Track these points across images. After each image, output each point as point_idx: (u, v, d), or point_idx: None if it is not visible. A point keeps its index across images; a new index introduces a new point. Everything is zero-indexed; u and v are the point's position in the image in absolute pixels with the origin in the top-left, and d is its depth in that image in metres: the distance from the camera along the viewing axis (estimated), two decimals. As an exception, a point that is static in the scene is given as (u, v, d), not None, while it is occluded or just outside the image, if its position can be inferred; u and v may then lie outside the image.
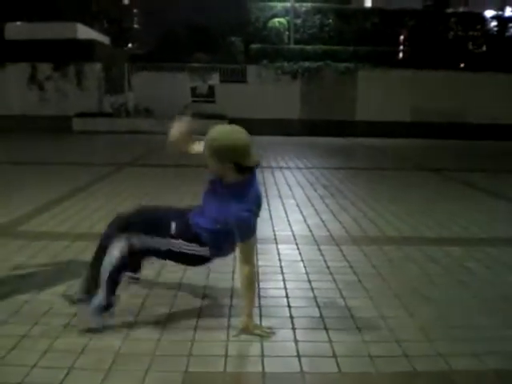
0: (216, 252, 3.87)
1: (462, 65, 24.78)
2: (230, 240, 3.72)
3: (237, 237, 3.61)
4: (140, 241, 3.70)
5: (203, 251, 3.79)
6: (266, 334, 3.60)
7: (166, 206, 4.23)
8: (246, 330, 3.63)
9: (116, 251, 3.64)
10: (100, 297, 3.65)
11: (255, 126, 22.30)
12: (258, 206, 3.73)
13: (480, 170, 13.21)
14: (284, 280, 4.72)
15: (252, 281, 3.71)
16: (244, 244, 3.63)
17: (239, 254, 3.68)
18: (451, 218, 7.36)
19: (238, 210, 3.54)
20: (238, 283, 4.43)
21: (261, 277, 4.76)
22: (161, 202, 7.60)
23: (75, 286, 4.24)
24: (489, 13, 26.84)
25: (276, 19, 24.77)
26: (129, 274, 3.98)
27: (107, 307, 3.68)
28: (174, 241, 3.75)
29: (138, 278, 4.05)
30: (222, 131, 3.56)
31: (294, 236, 6.27)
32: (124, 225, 3.76)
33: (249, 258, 3.66)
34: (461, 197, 9.23)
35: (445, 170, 12.55)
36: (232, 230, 3.61)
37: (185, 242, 3.74)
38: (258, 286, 4.52)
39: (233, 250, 3.94)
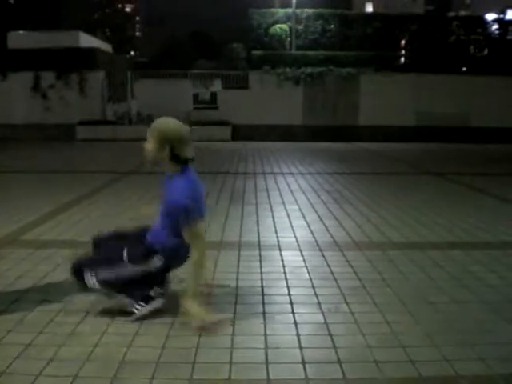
0: (174, 261, 4.05)
1: (464, 68, 24.77)
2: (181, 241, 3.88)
3: (180, 221, 3.79)
4: (106, 274, 3.86)
5: (159, 263, 3.95)
6: (206, 319, 3.75)
7: (123, 230, 4.43)
8: (188, 313, 3.77)
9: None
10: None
11: (258, 132, 22.48)
12: (194, 197, 3.85)
13: (484, 173, 13.18)
14: (288, 286, 4.72)
15: (197, 268, 3.82)
16: (188, 229, 3.78)
17: (188, 240, 3.84)
18: (456, 222, 7.35)
19: (171, 195, 3.85)
20: (242, 290, 4.43)
21: (264, 283, 4.76)
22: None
23: (78, 295, 4.25)
24: (490, 16, 26.84)
25: (278, 25, 24.78)
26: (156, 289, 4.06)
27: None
28: (132, 265, 3.92)
29: (162, 294, 4.07)
30: (168, 119, 3.93)
31: (297, 242, 6.27)
32: (78, 269, 3.95)
33: (196, 245, 3.82)
34: (465, 201, 9.22)
35: (449, 174, 12.53)
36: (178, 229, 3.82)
37: (140, 266, 3.92)
38: (262, 292, 4.53)
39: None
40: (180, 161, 3.86)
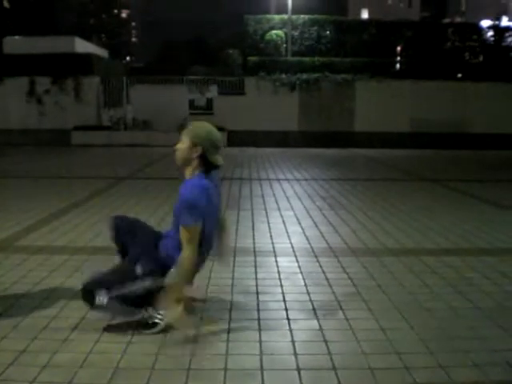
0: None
1: (459, 75, 24.85)
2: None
3: (180, 218, 3.84)
4: (119, 291, 3.77)
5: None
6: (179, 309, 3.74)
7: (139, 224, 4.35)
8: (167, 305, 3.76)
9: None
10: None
11: (254, 138, 22.52)
12: (200, 193, 3.83)
13: (479, 179, 13.23)
14: (283, 292, 4.71)
15: (186, 269, 3.81)
16: (184, 229, 3.80)
17: (181, 239, 3.84)
18: (451, 229, 7.36)
19: (183, 190, 3.85)
20: (237, 296, 4.42)
21: (259, 289, 4.76)
22: (159, 216, 7.61)
23: (72, 301, 4.24)
24: (485, 23, 26.96)
25: (273, 31, 24.85)
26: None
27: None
28: (146, 282, 3.84)
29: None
30: (204, 123, 4.01)
31: (292, 248, 6.27)
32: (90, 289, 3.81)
33: (187, 244, 3.80)
34: (460, 207, 9.23)
35: (444, 180, 12.55)
36: None
37: (153, 279, 3.85)
38: (257, 298, 4.53)
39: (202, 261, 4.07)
40: (207, 164, 3.93)
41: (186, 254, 3.78)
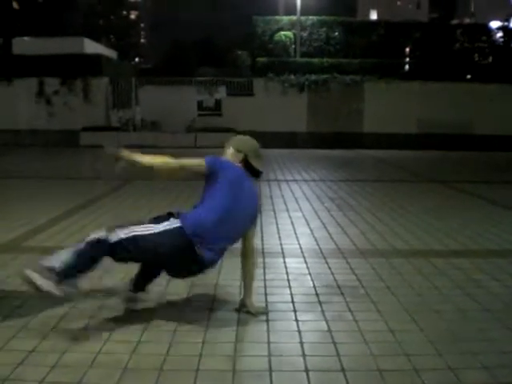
0: (209, 252, 3.89)
1: (468, 76, 24.78)
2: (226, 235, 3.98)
3: (254, 223, 4.24)
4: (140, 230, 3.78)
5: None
6: (263, 310, 4.24)
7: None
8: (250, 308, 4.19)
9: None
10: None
11: (262, 139, 22.20)
12: (239, 183, 4.13)
13: (487, 181, 13.18)
14: (291, 294, 4.71)
15: (255, 268, 4.36)
16: (254, 232, 4.28)
17: (250, 242, 4.21)
18: (459, 230, 7.34)
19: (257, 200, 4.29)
20: (246, 297, 4.41)
21: (268, 290, 4.76)
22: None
23: (81, 302, 4.25)
24: (494, 24, 26.88)
25: (282, 32, 24.88)
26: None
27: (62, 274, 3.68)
28: (169, 223, 3.84)
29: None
30: (246, 136, 4.48)
31: (301, 249, 6.26)
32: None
33: (254, 246, 4.30)
34: (469, 208, 9.20)
35: (452, 182, 12.52)
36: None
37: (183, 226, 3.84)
38: (266, 299, 4.53)
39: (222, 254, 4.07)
40: (250, 168, 4.27)
41: (254, 254, 4.30)
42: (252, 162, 4.25)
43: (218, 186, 3.94)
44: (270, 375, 3.25)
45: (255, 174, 4.31)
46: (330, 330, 3.91)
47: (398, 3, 67.69)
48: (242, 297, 4.29)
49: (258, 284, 4.90)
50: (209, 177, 4.01)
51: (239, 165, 4.21)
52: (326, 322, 4.07)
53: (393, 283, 5.01)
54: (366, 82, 23.14)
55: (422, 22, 33.27)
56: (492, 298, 4.63)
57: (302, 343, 3.70)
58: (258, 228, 6.78)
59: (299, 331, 3.90)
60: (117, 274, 4.90)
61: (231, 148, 4.27)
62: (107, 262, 3.90)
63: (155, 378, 3.19)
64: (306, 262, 5.72)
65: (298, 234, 7.00)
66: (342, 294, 4.70)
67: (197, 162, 4.04)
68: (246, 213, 4.04)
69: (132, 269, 4.30)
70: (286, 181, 12.37)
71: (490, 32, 25.93)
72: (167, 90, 23.04)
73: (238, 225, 4.00)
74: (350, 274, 5.32)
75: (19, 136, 22.09)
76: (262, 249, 6.18)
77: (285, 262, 5.71)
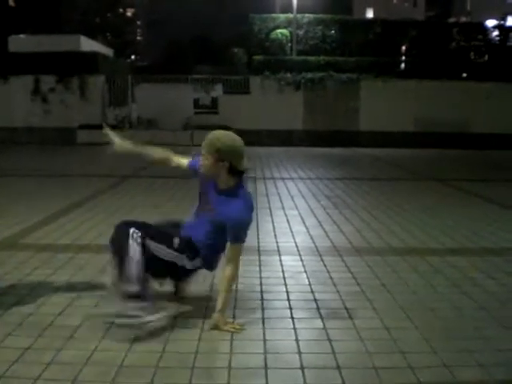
0: (206, 265, 4.10)
1: (464, 75, 24.81)
2: (220, 251, 4.06)
3: (230, 237, 3.83)
4: (151, 245, 3.79)
5: (199, 264, 4.04)
6: (235, 331, 3.80)
7: (161, 221, 4.38)
8: (217, 326, 3.82)
9: (135, 248, 3.70)
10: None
11: (258, 137, 22.46)
12: (252, 209, 3.93)
13: (484, 179, 13.20)
14: (287, 291, 4.71)
15: (232, 282, 3.98)
16: (235, 245, 3.86)
17: (228, 254, 3.91)
18: (455, 228, 7.35)
19: (237, 211, 3.79)
20: (242, 295, 4.42)
21: (264, 288, 4.76)
22: (164, 213, 7.61)
23: (77, 299, 4.25)
24: (490, 23, 26.90)
25: (278, 30, 24.85)
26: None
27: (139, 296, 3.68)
28: (177, 254, 3.90)
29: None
30: (225, 133, 3.90)
31: (297, 247, 6.27)
32: (131, 223, 3.84)
33: (235, 260, 3.89)
34: (465, 206, 9.22)
35: (449, 180, 12.53)
36: (224, 237, 3.85)
37: (187, 259, 3.94)
38: (262, 296, 4.53)
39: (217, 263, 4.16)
40: (236, 172, 3.87)
41: (230, 272, 3.87)
42: (238, 167, 3.84)
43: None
44: (266, 373, 3.25)
45: (242, 173, 3.93)
46: (325, 328, 3.92)
47: (395, 1, 67.63)
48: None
49: (253, 282, 4.92)
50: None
51: (238, 189, 3.89)
52: (322, 319, 4.08)
53: (388, 281, 5.02)
54: (363, 80, 23.12)
55: (418, 21, 33.30)
56: (488, 296, 4.64)
57: (297, 341, 3.71)
58: (253, 226, 6.78)
59: (295, 329, 3.91)
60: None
61: (211, 156, 3.79)
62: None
63: (151, 375, 3.19)
64: (301, 260, 5.73)
65: (294, 232, 7.01)
66: (338, 291, 4.71)
67: (185, 164, 4.23)
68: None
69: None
70: (282, 179, 12.37)
71: (486, 30, 25.94)
72: (163, 87, 22.99)
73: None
74: (346, 271, 5.33)
75: (15, 134, 22.01)
76: (258, 247, 6.19)
77: (280, 260, 5.71)
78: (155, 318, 3.75)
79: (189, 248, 3.92)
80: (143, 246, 3.72)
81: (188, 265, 3.96)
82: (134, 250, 3.68)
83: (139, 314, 3.67)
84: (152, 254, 3.78)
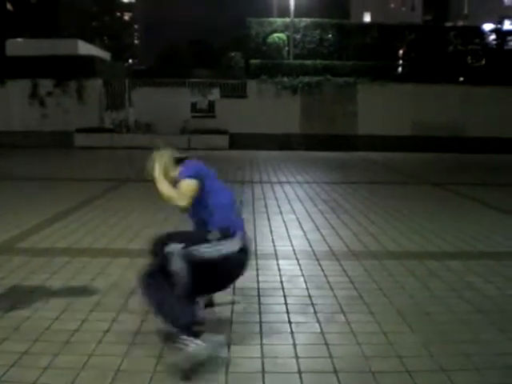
0: (225, 226, 3.83)
1: (461, 78, 24.84)
2: (219, 205, 3.87)
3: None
4: (195, 250, 3.63)
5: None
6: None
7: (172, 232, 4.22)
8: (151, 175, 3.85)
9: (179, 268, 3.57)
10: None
11: (256, 141, 22.50)
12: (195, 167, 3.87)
13: (481, 183, 13.21)
14: (284, 295, 4.71)
15: (162, 188, 3.78)
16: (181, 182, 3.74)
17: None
18: (452, 232, 7.35)
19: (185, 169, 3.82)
20: (239, 300, 4.41)
21: (261, 292, 4.76)
22: (162, 218, 7.61)
23: (74, 303, 4.24)
24: (488, 26, 26.95)
25: (276, 34, 24.86)
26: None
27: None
28: (225, 241, 3.73)
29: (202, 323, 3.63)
30: (157, 155, 3.93)
31: (294, 251, 6.27)
32: (165, 239, 3.69)
33: (181, 191, 3.71)
34: (462, 210, 9.22)
35: (446, 184, 12.54)
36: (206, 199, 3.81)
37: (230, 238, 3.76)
38: (259, 301, 4.53)
39: None
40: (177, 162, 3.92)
41: (160, 187, 3.77)
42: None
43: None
44: (263, 377, 3.25)
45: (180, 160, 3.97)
46: (322, 332, 3.92)
47: (392, 6, 67.81)
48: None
49: (251, 286, 4.91)
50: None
51: (183, 167, 3.90)
52: (319, 323, 4.08)
53: (385, 285, 5.02)
54: (360, 84, 23.16)
55: (415, 25, 33.33)
56: (485, 300, 4.65)
57: (295, 345, 3.71)
58: (251, 230, 6.76)
59: (292, 333, 3.91)
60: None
61: (171, 169, 3.91)
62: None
63: (148, 380, 3.19)
64: (299, 264, 5.73)
65: (291, 236, 7.01)
66: (335, 295, 4.71)
67: (193, 189, 3.78)
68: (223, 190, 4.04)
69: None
70: (280, 183, 12.38)
71: (483, 34, 25.99)
72: (161, 91, 23.03)
73: None
74: (343, 275, 5.33)
75: (13, 137, 22.02)
76: (256, 251, 6.18)
77: (278, 264, 5.71)
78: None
79: (222, 231, 3.74)
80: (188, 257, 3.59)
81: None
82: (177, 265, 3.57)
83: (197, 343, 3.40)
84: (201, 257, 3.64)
